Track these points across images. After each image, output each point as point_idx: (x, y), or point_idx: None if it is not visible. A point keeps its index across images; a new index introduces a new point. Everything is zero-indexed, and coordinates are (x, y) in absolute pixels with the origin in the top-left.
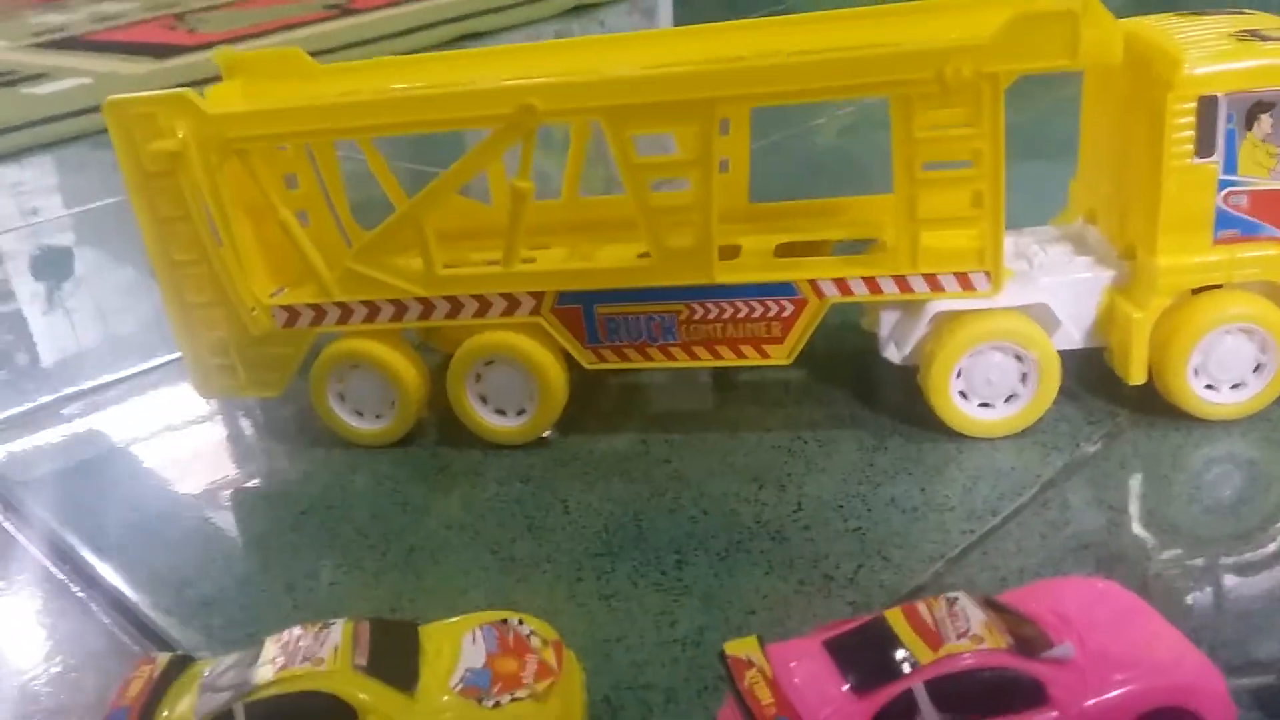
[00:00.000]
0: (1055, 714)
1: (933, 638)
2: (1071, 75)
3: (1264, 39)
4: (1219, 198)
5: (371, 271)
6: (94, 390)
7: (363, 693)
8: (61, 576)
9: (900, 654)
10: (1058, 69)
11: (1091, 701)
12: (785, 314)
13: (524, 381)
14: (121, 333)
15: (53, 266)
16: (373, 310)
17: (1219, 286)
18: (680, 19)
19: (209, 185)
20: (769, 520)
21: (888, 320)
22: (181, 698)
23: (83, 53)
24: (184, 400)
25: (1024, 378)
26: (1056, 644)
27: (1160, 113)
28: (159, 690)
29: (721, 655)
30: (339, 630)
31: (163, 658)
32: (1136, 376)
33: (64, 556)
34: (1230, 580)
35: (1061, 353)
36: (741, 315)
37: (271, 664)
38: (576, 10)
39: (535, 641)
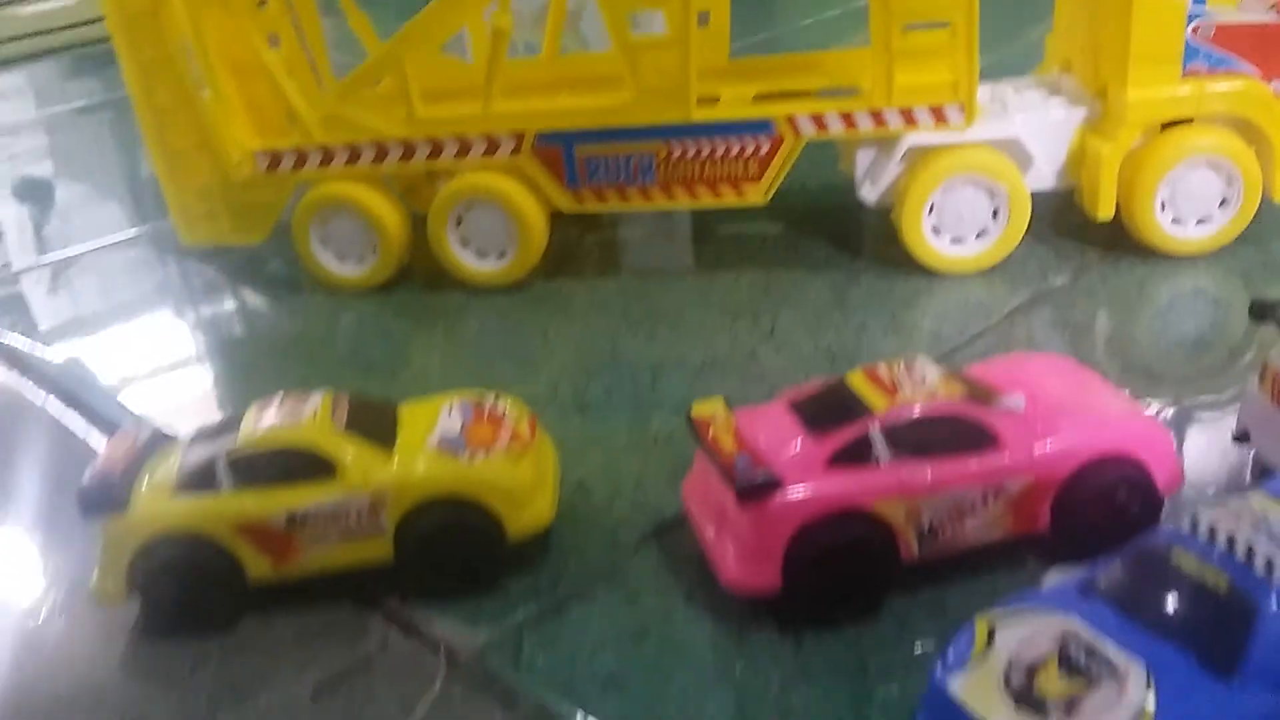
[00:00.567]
0: (1005, 455)
1: (890, 390)
2: None
3: None
4: (1187, 30)
5: (353, 113)
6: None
7: (341, 447)
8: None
9: (859, 403)
10: None
11: (1040, 446)
12: (762, 152)
13: (504, 224)
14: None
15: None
16: (354, 154)
17: (1188, 122)
18: None
19: (191, 25)
20: (743, 343)
21: (863, 160)
22: (165, 460)
23: None
24: (171, 260)
25: (995, 213)
26: (1007, 397)
27: None
28: (142, 456)
29: (688, 416)
30: (319, 398)
31: (146, 429)
32: (1105, 211)
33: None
34: (1184, 397)
35: (1035, 198)
36: (719, 154)
37: (253, 425)
38: None
39: (511, 416)
